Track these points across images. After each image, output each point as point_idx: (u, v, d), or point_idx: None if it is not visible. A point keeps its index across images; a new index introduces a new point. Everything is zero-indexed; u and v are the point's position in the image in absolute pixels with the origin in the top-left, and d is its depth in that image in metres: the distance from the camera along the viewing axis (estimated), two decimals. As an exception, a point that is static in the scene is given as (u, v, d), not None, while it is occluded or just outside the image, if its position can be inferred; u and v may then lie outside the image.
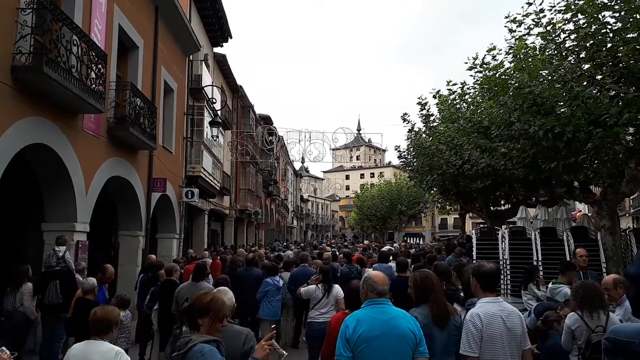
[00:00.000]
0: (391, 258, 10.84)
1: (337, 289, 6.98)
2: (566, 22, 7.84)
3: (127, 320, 6.36)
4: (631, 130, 7.94)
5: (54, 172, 8.35)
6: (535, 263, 9.89)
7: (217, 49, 21.18)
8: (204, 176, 16.30)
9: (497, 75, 10.22)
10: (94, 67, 8.27)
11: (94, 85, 8.17)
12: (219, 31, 19.99)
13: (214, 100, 17.29)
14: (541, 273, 8.36)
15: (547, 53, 8.60)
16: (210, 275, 8.86)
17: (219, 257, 12.36)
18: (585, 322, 4.26)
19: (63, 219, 8.64)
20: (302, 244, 27.21)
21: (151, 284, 8.25)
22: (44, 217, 8.73)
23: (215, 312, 2.86)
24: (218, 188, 19.01)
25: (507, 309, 3.56)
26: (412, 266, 9.83)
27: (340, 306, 6.38)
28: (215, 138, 17.53)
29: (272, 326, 3.30)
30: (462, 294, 5.39)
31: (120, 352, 3.44)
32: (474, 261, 9.34)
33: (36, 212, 9.04)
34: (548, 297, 6.51)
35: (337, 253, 13.18)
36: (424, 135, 16.13)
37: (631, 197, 28.30)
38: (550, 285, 6.59)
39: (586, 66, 7.64)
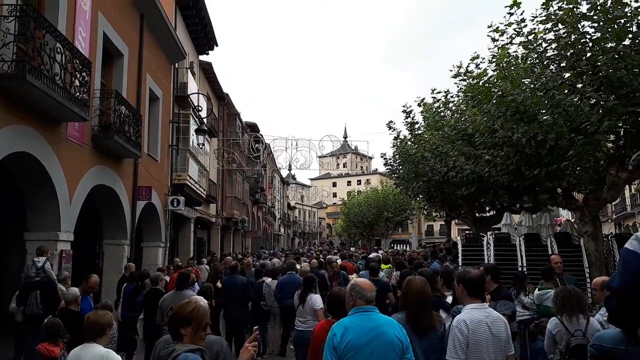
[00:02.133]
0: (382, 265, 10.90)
1: (314, 300, 6.87)
2: (547, 31, 8.01)
3: (112, 329, 6.29)
4: (611, 137, 8.11)
5: (37, 180, 8.25)
6: (520, 269, 9.98)
7: (202, 57, 21.17)
8: (189, 184, 16.22)
9: (480, 84, 10.36)
10: (78, 75, 8.21)
11: (78, 93, 8.11)
12: (205, 39, 20.00)
13: (200, 108, 17.24)
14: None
15: (529, 62, 8.76)
16: (196, 283, 8.80)
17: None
18: (565, 326, 4.33)
19: (46, 228, 8.53)
20: (287, 252, 27.11)
21: (138, 294, 8.17)
22: (26, 226, 8.61)
23: (198, 321, 2.84)
24: (204, 196, 18.92)
25: (492, 315, 3.59)
26: (398, 272, 9.93)
27: (319, 318, 6.32)
28: (201, 146, 17.46)
29: (255, 327, 3.28)
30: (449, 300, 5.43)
31: (110, 353, 3.57)
32: (460, 267, 9.41)
33: (19, 221, 8.91)
34: (537, 303, 6.58)
35: (322, 260, 13.15)
36: (409, 143, 16.26)
37: (613, 203, 28.75)
38: (536, 291, 6.66)
39: (567, 75, 7.80)
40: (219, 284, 8.84)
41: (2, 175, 8.03)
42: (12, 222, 9.69)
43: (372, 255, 15.35)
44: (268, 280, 9.55)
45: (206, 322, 2.90)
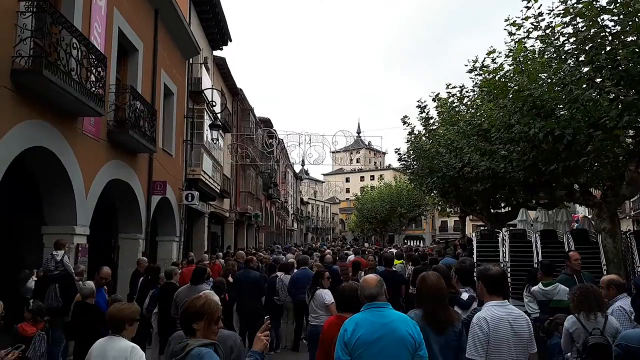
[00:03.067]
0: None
1: (324, 294, 6.83)
2: (565, 25, 7.86)
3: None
4: (631, 132, 7.94)
5: (53, 175, 8.34)
6: (535, 266, 9.88)
7: (216, 52, 21.23)
8: (204, 179, 16.30)
9: (496, 78, 10.23)
10: (94, 70, 8.26)
11: (93, 89, 8.17)
12: (219, 34, 20.03)
13: (214, 103, 17.30)
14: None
15: (546, 56, 8.61)
16: (211, 277, 8.84)
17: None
18: (582, 324, 4.26)
19: (63, 222, 8.63)
20: (302, 248, 27.15)
21: (150, 287, 8.23)
22: (44, 221, 8.72)
23: (210, 315, 2.84)
24: (218, 191, 19.01)
25: (514, 313, 3.50)
26: (412, 268, 9.95)
27: (331, 312, 6.29)
28: (215, 141, 17.54)
29: (266, 317, 3.29)
30: (464, 297, 5.39)
31: (135, 348, 3.57)
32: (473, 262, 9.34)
33: (36, 215, 9.03)
34: (542, 300, 6.48)
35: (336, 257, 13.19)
36: (423, 138, 16.16)
37: (631, 200, 28.27)
38: (540, 287, 6.53)
39: (585, 69, 7.65)
40: (230, 279, 8.88)
41: (19, 170, 8.13)
42: (30, 216, 9.83)
43: (387, 252, 15.29)
44: (281, 274, 9.56)
45: (218, 315, 2.90)
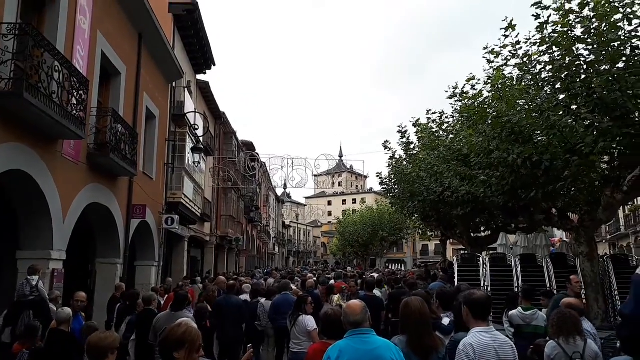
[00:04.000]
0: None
1: (306, 321, 6.68)
2: (542, 54, 8.10)
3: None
4: (606, 158, 8.15)
5: (30, 198, 8.18)
6: (516, 289, 9.94)
7: (200, 76, 21.30)
8: (184, 202, 16.15)
9: (476, 104, 10.43)
10: (75, 93, 8.21)
11: (74, 111, 8.10)
12: (203, 58, 20.13)
13: (197, 127, 17.26)
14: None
15: (524, 83, 8.83)
16: (191, 304, 8.68)
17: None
18: (562, 348, 4.28)
19: (39, 246, 8.42)
20: (282, 272, 26.86)
21: (127, 313, 8.04)
22: (19, 245, 8.50)
23: (191, 343, 2.79)
24: (199, 214, 18.83)
25: (499, 339, 3.50)
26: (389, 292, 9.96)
27: (313, 339, 6.19)
28: (196, 164, 17.45)
29: (249, 345, 3.23)
30: (445, 322, 5.37)
31: None
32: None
33: (11, 239, 8.80)
34: (520, 324, 6.46)
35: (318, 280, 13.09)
36: (404, 163, 16.33)
37: (607, 224, 28.80)
38: (519, 311, 6.53)
39: (562, 96, 7.87)
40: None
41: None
42: (4, 240, 9.58)
43: (369, 277, 15.24)
44: (262, 300, 9.44)
45: (199, 344, 2.85)
